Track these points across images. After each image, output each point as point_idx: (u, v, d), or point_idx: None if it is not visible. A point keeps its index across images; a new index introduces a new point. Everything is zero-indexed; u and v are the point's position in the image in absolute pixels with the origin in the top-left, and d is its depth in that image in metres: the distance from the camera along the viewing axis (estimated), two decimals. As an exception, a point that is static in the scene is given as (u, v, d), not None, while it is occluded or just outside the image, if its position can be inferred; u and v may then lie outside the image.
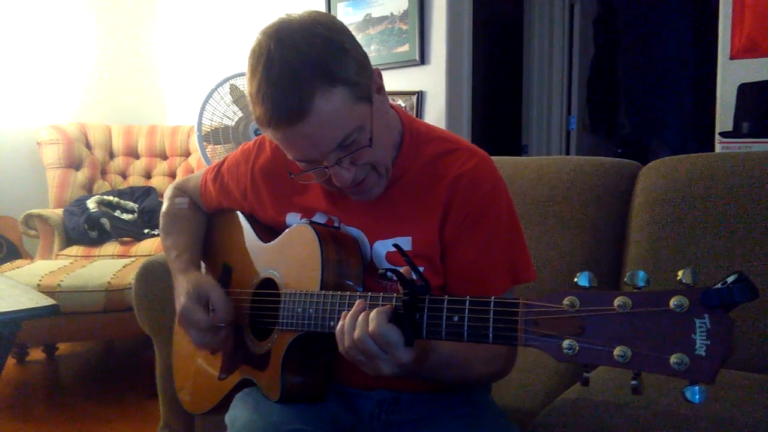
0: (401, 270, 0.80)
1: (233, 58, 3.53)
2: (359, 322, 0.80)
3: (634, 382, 0.57)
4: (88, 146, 3.44)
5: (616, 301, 0.57)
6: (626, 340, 0.56)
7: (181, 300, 1.11)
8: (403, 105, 3.02)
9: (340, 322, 0.84)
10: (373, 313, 0.79)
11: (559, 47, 3.93)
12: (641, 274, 0.58)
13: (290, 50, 0.87)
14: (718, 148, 2.17)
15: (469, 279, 1.00)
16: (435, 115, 2.98)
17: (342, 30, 0.93)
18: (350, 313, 0.82)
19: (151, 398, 1.76)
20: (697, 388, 0.54)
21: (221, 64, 3.55)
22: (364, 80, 0.92)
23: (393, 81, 3.07)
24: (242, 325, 1.13)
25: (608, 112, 4.48)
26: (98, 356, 3.26)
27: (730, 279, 0.55)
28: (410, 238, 1.01)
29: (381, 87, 0.98)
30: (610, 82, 4.46)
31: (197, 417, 1.58)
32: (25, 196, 3.36)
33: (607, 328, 0.57)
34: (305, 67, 0.86)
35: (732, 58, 2.49)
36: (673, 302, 0.54)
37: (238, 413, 1.06)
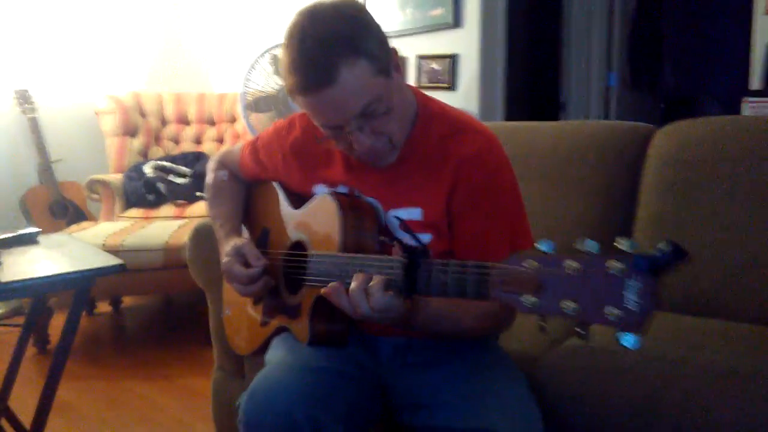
0: (406, 239, 0.94)
1: (275, 29, 3.64)
2: (360, 299, 0.94)
3: (581, 330, 0.69)
4: (143, 114, 3.65)
5: (567, 264, 0.69)
6: (574, 296, 0.68)
7: (223, 260, 1.27)
8: (437, 68, 3.09)
9: (345, 302, 0.97)
10: (370, 288, 0.93)
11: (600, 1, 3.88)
12: (590, 242, 0.69)
13: (321, 26, 1.00)
14: (744, 107, 2.18)
15: (473, 247, 1.11)
16: (468, 77, 3.04)
17: (366, 12, 1.06)
18: (351, 291, 0.96)
19: (206, 345, 1.95)
20: (629, 336, 0.66)
21: (264, 35, 3.67)
22: (384, 56, 1.04)
23: (427, 44, 3.14)
24: (278, 280, 1.28)
25: (651, 67, 4.40)
26: (159, 308, 3.52)
27: (661, 245, 0.66)
28: (420, 209, 1.13)
29: (398, 65, 1.09)
30: (653, 35, 4.36)
31: (245, 359, 1.77)
32: (87, 163, 3.61)
33: (560, 287, 0.69)
34: (333, 41, 0.99)
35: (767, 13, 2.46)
36: (610, 265, 0.66)
37: (274, 353, 1.23)
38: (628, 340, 0.66)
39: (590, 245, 0.70)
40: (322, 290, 1.01)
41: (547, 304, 0.70)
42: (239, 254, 1.25)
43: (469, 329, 1.12)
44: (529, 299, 0.72)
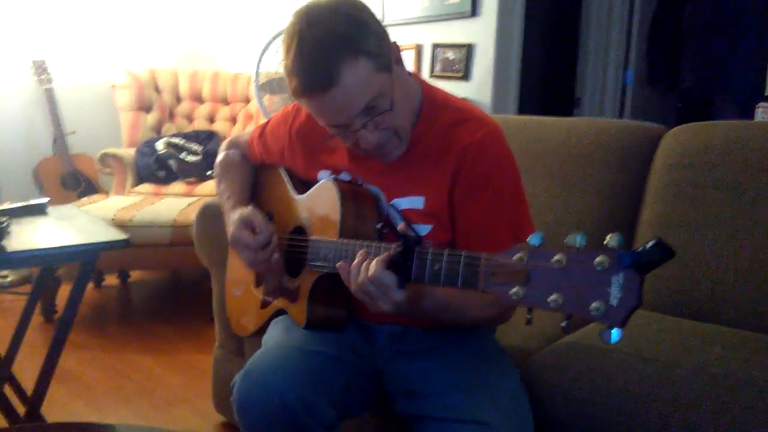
0: (401, 225, 0.95)
1: (289, 10, 3.63)
2: (362, 269, 0.95)
3: (564, 323, 0.71)
4: (158, 90, 3.67)
5: (554, 258, 0.70)
6: (560, 289, 0.70)
7: (230, 229, 1.27)
8: (452, 57, 3.08)
9: (346, 270, 0.99)
10: (373, 262, 0.93)
11: (620, -3, 3.84)
12: (578, 237, 0.70)
13: (319, 28, 1.00)
14: (758, 112, 2.16)
15: (475, 237, 1.12)
16: (483, 68, 3.03)
17: (363, 8, 1.05)
18: (354, 263, 0.97)
19: (209, 322, 1.98)
20: (611, 330, 0.67)
21: (278, 16, 3.67)
22: (384, 52, 1.04)
23: (443, 33, 3.13)
24: (280, 259, 1.30)
25: (669, 66, 4.35)
26: (165, 284, 3.57)
27: (648, 243, 0.67)
28: (423, 198, 1.14)
29: (399, 59, 1.10)
30: (673, 34, 4.31)
31: (245, 338, 1.80)
32: (100, 136, 3.65)
33: (546, 280, 0.71)
34: (333, 42, 0.99)
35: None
36: (596, 261, 0.67)
37: (271, 335, 1.26)
38: (610, 334, 0.67)
39: (578, 240, 0.70)
40: (337, 264, 1.02)
41: (534, 296, 0.72)
42: (247, 222, 1.25)
43: (474, 318, 1.12)
44: (516, 291, 0.73)
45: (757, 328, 1.38)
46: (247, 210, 1.27)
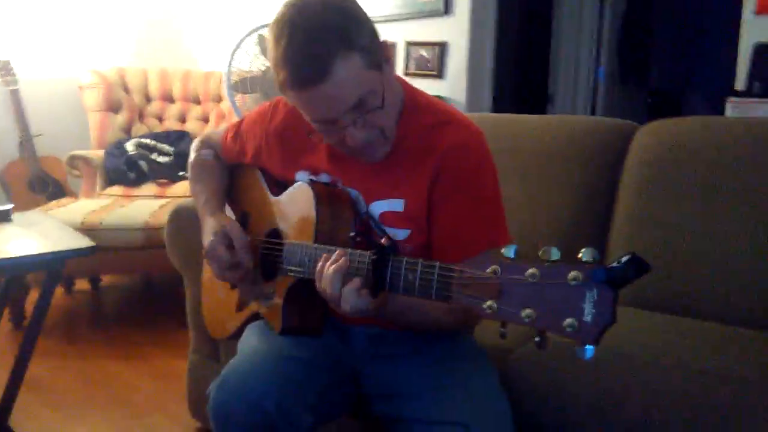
0: (384, 239, 0.95)
1: (262, 8, 3.59)
2: (333, 284, 0.95)
3: (537, 339, 0.70)
4: (126, 90, 3.60)
5: (528, 272, 0.69)
6: (533, 304, 0.69)
7: (208, 237, 1.24)
8: (426, 55, 3.07)
9: (318, 284, 0.98)
10: (346, 289, 0.93)
11: (592, -5, 3.88)
12: (553, 250, 0.69)
13: (311, 19, 0.97)
14: (728, 107, 2.18)
15: (449, 239, 1.11)
16: (457, 66, 3.03)
17: (355, 4, 1.03)
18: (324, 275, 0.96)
19: (183, 327, 1.95)
20: (586, 347, 0.67)
21: (250, 14, 3.63)
22: (375, 49, 1.01)
23: (417, 31, 3.12)
24: (254, 267, 1.27)
25: (639, 62, 4.40)
26: (138, 288, 3.51)
27: (623, 258, 0.67)
28: (403, 201, 1.12)
29: (389, 58, 1.08)
30: (643, 31, 4.37)
31: (221, 343, 1.77)
32: (68, 138, 3.55)
33: (520, 294, 0.70)
34: (326, 34, 0.96)
35: (758, 13, 2.46)
36: (570, 276, 0.66)
37: (247, 340, 1.24)
38: (585, 351, 0.67)
39: (552, 253, 0.70)
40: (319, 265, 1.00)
41: (507, 311, 0.71)
42: (225, 236, 1.22)
43: (439, 321, 1.11)
44: (489, 304, 0.72)
45: (733, 321, 1.40)
46: (228, 223, 1.25)
